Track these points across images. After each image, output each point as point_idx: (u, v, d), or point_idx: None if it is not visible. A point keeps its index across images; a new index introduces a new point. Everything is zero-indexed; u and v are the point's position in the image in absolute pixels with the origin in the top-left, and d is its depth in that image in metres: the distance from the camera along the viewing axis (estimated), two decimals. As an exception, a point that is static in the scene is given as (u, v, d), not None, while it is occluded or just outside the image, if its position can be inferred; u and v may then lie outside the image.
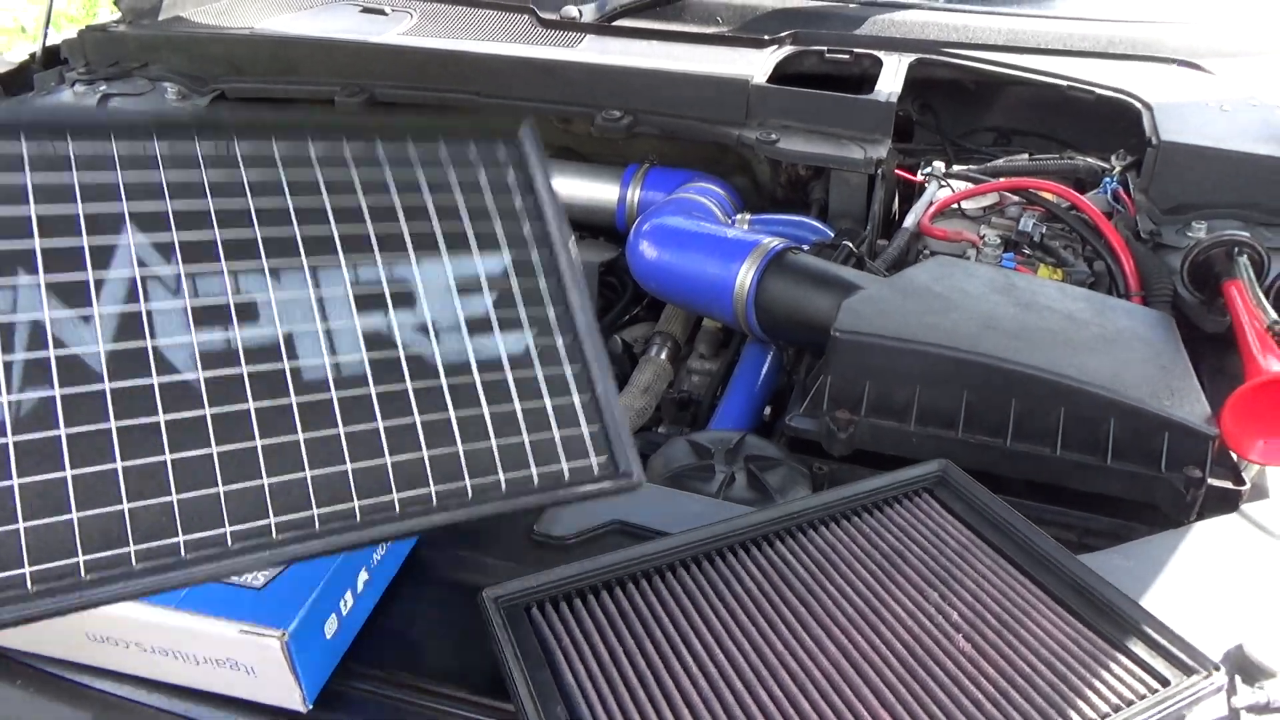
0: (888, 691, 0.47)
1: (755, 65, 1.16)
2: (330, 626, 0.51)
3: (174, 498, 0.37)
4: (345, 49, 1.24)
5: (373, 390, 0.44)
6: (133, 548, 0.36)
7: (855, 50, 1.23)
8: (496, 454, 0.45)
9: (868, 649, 0.50)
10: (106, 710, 0.52)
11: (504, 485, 0.45)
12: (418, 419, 0.44)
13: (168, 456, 0.38)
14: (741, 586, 0.54)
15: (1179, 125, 1.01)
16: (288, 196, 0.46)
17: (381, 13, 1.37)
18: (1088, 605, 0.53)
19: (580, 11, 1.33)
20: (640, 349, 1.07)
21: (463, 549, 0.60)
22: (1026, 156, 1.18)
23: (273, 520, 0.39)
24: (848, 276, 0.84)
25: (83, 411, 0.37)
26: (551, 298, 0.50)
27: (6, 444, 0.35)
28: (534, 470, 0.46)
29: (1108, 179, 1.07)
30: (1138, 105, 1.07)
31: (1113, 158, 1.10)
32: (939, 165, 1.13)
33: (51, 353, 0.38)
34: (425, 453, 0.44)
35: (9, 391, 0.36)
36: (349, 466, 0.42)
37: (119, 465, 0.37)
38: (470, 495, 0.44)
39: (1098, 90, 1.11)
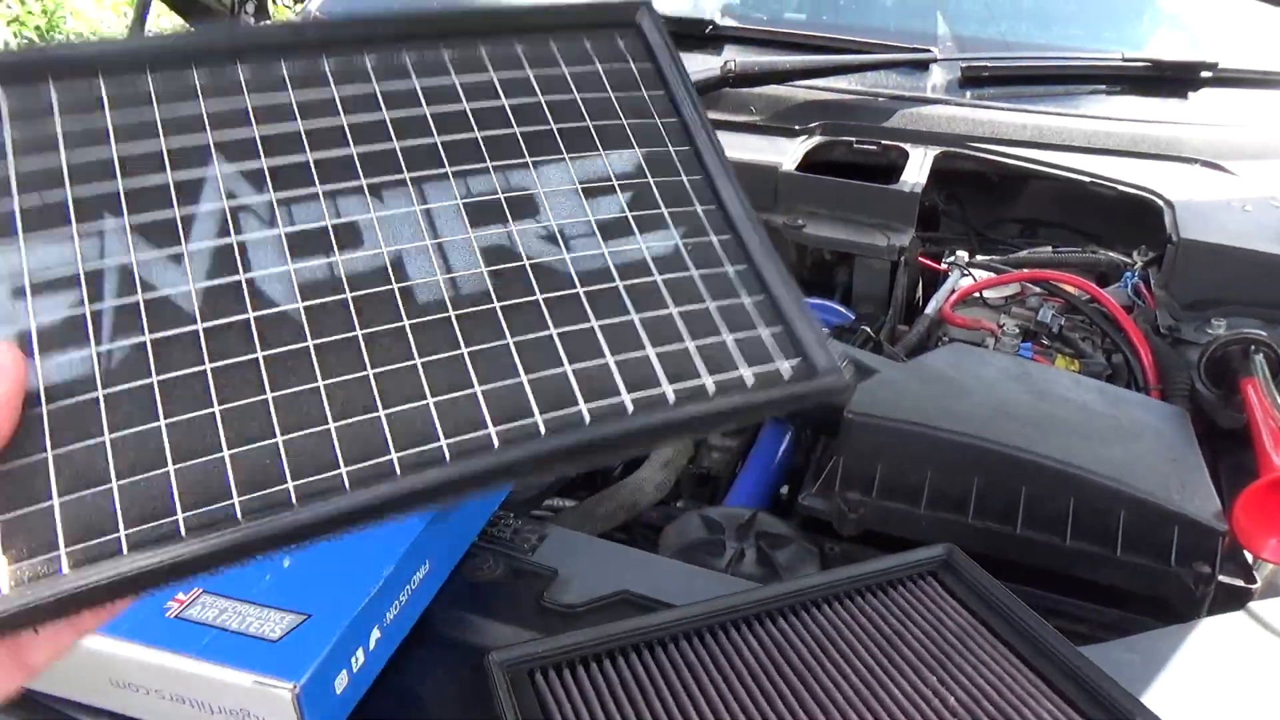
0: (880, 773, 0.48)
1: (785, 153, 1.21)
2: (341, 682, 0.52)
3: (279, 439, 0.33)
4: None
5: (497, 305, 0.38)
6: (236, 500, 0.32)
7: (882, 141, 1.27)
8: (657, 364, 0.38)
9: (862, 729, 0.50)
10: (124, 754, 0.54)
11: (671, 396, 0.37)
12: (554, 331, 0.38)
13: (268, 395, 0.34)
14: (742, 661, 0.55)
15: (1200, 223, 1.03)
16: (384, 110, 0.42)
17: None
18: (1086, 698, 0.53)
19: (619, 98, 1.39)
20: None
21: (472, 613, 0.62)
22: (1050, 249, 1.20)
23: (394, 456, 0.34)
24: (864, 360, 0.86)
25: (177, 356, 0.34)
26: (698, 195, 0.43)
27: (97, 398, 0.33)
28: (707, 379, 0.38)
29: (1129, 273, 1.08)
30: (1160, 202, 1.09)
31: (1135, 253, 1.12)
32: (962, 254, 1.15)
33: (140, 296, 0.35)
34: (568, 367, 0.37)
35: (98, 341, 0.34)
36: (477, 389, 0.36)
37: (216, 409, 0.33)
38: (631, 410, 0.37)
39: (1120, 187, 1.13)
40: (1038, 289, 1.08)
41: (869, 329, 0.95)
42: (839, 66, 1.32)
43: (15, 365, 0.32)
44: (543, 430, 0.36)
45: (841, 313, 1.09)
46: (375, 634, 0.56)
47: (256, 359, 0.35)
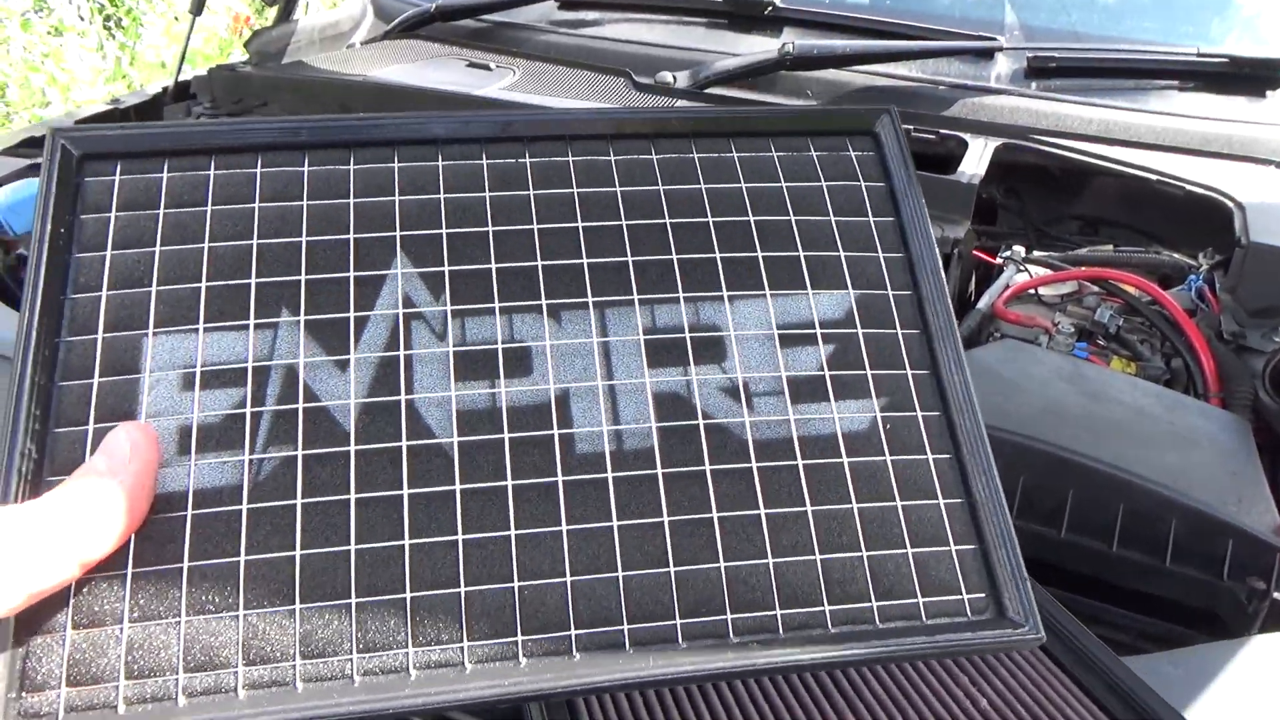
0: (907, 772, 0.47)
1: (840, 139, 1.18)
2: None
3: (406, 595, 0.31)
4: (445, 99, 1.31)
5: (659, 471, 0.34)
6: (355, 656, 0.30)
7: (941, 130, 1.24)
8: (821, 574, 0.34)
9: (891, 727, 0.49)
10: None
11: (829, 619, 0.33)
12: (715, 515, 0.34)
13: (406, 541, 0.32)
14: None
15: (1272, 226, 0.99)
16: (579, 218, 0.38)
17: (486, 68, 1.44)
18: (1127, 710, 0.51)
19: (675, 78, 1.37)
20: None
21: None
22: (1110, 247, 1.16)
23: (520, 639, 0.31)
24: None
25: (325, 477, 0.33)
26: (910, 356, 0.38)
27: (241, 510, 0.32)
28: (873, 602, 0.34)
29: (1193, 276, 1.04)
30: (1229, 204, 1.05)
31: (1200, 255, 1.08)
32: (1019, 249, 1.12)
33: (301, 405, 0.34)
34: (722, 563, 0.33)
35: (252, 447, 0.33)
36: (620, 574, 0.32)
37: (352, 547, 0.32)
38: (781, 631, 0.32)
39: (1188, 186, 1.09)
40: (1096, 288, 1.05)
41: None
42: (900, 53, 1.29)
43: (149, 444, 0.31)
44: (681, 640, 0.32)
45: (890, 304, 1.06)
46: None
47: (402, 496, 0.33)
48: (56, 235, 0.35)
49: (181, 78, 1.44)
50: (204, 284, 0.35)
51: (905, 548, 0.35)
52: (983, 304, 1.03)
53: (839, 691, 0.51)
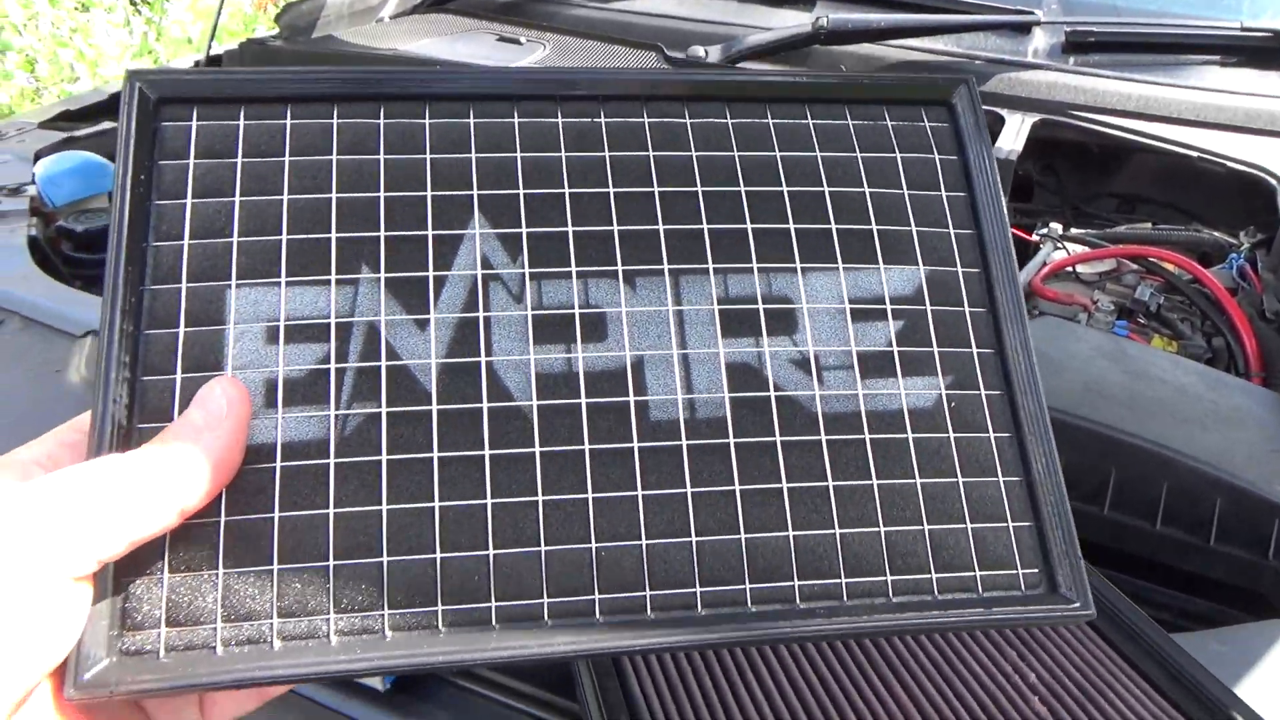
0: (955, 744, 0.47)
1: (874, 115, 1.17)
2: (414, 612, 0.53)
3: (489, 552, 0.32)
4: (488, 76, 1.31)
5: (732, 440, 0.35)
6: (440, 608, 0.31)
7: (978, 106, 1.23)
8: (884, 545, 0.34)
9: (939, 699, 0.49)
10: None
11: (891, 589, 0.34)
12: (785, 486, 0.35)
13: (488, 501, 0.33)
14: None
15: (1317, 204, 0.97)
16: (655, 183, 0.38)
17: (516, 42, 1.43)
18: (1176, 686, 0.51)
19: (706, 52, 1.36)
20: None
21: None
22: (1150, 225, 1.15)
23: (597, 597, 0.32)
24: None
25: (408, 435, 0.33)
26: (977, 332, 0.38)
27: (328, 465, 0.32)
28: (933, 574, 0.34)
29: (1234, 255, 1.03)
30: (1272, 181, 1.03)
31: (1241, 234, 1.06)
32: (1056, 226, 1.11)
33: (384, 363, 0.34)
34: (791, 532, 0.34)
35: (337, 403, 0.33)
36: (693, 539, 0.33)
37: (436, 505, 0.32)
38: (845, 598, 0.34)
39: (1229, 163, 1.07)
40: (1135, 266, 1.04)
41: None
42: (936, 26, 1.27)
43: (242, 400, 0.32)
44: (750, 604, 0.33)
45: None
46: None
47: (483, 456, 0.33)
48: (137, 182, 0.35)
49: (211, 52, 1.44)
50: (284, 236, 0.35)
51: (965, 523, 0.35)
52: (1019, 281, 1.02)
53: (887, 661, 0.51)
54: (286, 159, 0.36)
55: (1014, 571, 0.35)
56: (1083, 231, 1.11)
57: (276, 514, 0.32)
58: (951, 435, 0.36)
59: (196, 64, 1.44)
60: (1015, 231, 1.12)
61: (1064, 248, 1.07)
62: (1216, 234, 1.10)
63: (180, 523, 0.31)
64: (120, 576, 0.31)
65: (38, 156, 1.12)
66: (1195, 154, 1.12)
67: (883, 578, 0.34)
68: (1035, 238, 1.11)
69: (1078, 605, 0.35)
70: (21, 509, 0.27)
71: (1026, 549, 0.36)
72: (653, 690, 0.49)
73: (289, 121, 0.37)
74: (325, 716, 0.52)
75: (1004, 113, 1.20)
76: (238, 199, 0.35)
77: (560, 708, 0.52)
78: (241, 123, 0.37)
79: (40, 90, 3.10)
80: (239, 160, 0.36)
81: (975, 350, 0.38)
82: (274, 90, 0.37)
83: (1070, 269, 1.04)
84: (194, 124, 0.36)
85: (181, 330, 0.33)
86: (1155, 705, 0.50)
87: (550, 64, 1.35)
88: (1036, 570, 0.35)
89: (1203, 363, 0.88)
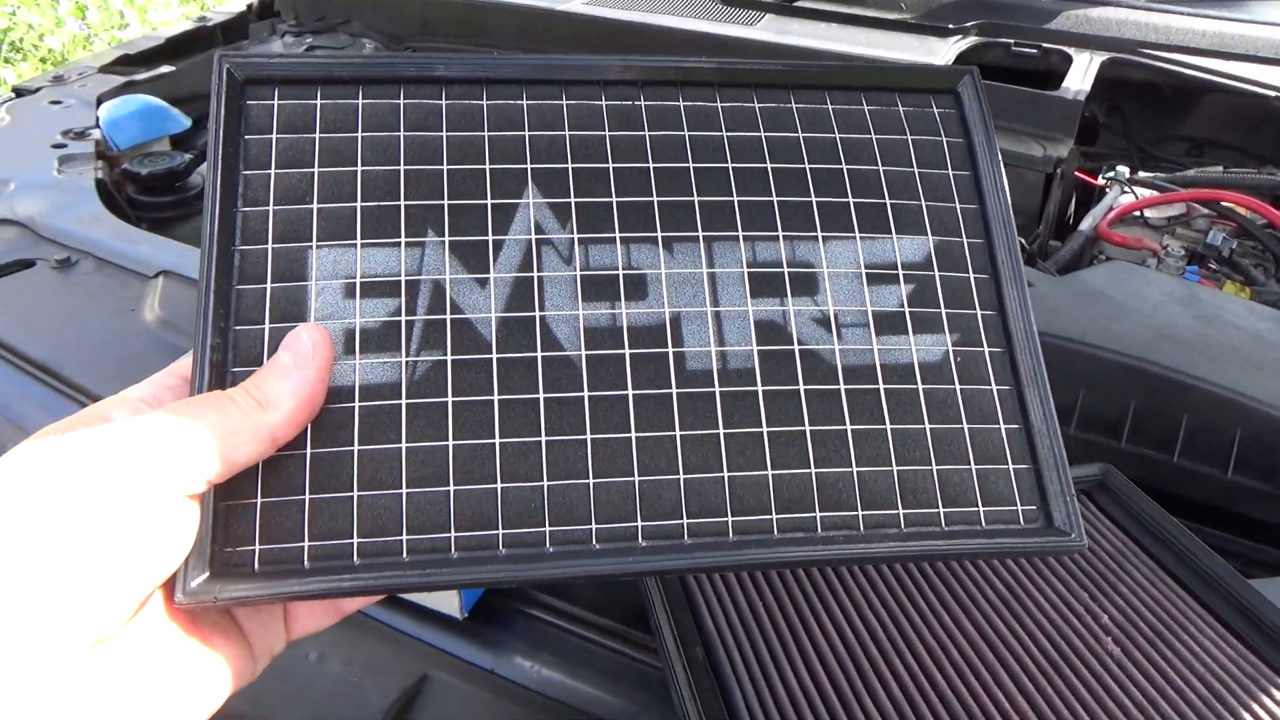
0: (1028, 681, 0.47)
1: (936, 54, 1.14)
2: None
3: (544, 483, 0.35)
4: (527, 15, 1.29)
5: (760, 389, 0.38)
6: (500, 531, 0.34)
7: (1044, 45, 1.19)
8: (897, 484, 0.38)
9: (1009, 636, 0.49)
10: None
11: (902, 520, 0.37)
12: (808, 428, 0.38)
13: (542, 438, 0.36)
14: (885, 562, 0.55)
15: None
16: (690, 159, 0.42)
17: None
18: (1253, 629, 0.51)
19: (763, -8, 1.33)
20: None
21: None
22: (1220, 169, 1.11)
23: (640, 524, 0.35)
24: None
25: (471, 379, 0.37)
26: (981, 296, 0.41)
27: (401, 405, 0.36)
28: (940, 508, 0.38)
29: (1312, 198, 0.99)
30: (1357, 121, 0.99)
31: (1321, 177, 1.03)
32: (1123, 170, 1.08)
33: (449, 316, 0.38)
34: (814, 469, 0.37)
35: (407, 351, 0.37)
36: (725, 475, 0.37)
37: (497, 441, 0.36)
38: (862, 528, 0.37)
39: (1313, 103, 1.04)
40: (1206, 210, 1.01)
41: (1023, 240, 0.91)
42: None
43: (326, 344, 0.36)
44: (777, 532, 0.36)
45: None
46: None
47: (538, 400, 0.37)
48: (228, 154, 0.39)
49: (265, -5, 1.44)
50: (359, 204, 0.39)
51: (969, 464, 0.39)
52: (1085, 226, 1.00)
53: (957, 600, 0.51)
54: (360, 134, 0.40)
55: (1014, 508, 0.39)
56: (1150, 175, 1.08)
57: (356, 447, 0.35)
58: (958, 387, 0.40)
59: (249, 7, 1.44)
60: (1081, 175, 1.09)
61: (1132, 191, 1.04)
62: (1293, 177, 1.06)
63: (274, 452, 0.34)
64: (220, 498, 0.34)
65: (99, 101, 1.13)
66: (1274, 94, 1.08)
67: (895, 511, 0.38)
68: (1101, 181, 1.08)
69: (1072, 537, 0.38)
70: (142, 435, 0.30)
71: (1025, 488, 0.39)
72: (724, 621, 0.50)
73: (360, 101, 0.41)
74: (407, 644, 0.54)
75: (1071, 51, 1.17)
76: (316, 170, 0.39)
77: (633, 639, 0.53)
78: (319, 102, 0.40)
79: (91, 37, 3.12)
80: (317, 135, 0.40)
81: (979, 312, 0.41)
82: (348, 73, 0.41)
83: (1138, 213, 1.01)
84: (275, 103, 0.40)
85: (269, 286, 0.37)
86: (1230, 647, 0.50)
87: (601, 3, 1.33)
88: (1034, 507, 0.39)
89: (1278, 308, 0.86)
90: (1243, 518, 0.69)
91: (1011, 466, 0.39)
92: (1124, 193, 1.05)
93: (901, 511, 0.37)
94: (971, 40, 1.19)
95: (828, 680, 0.47)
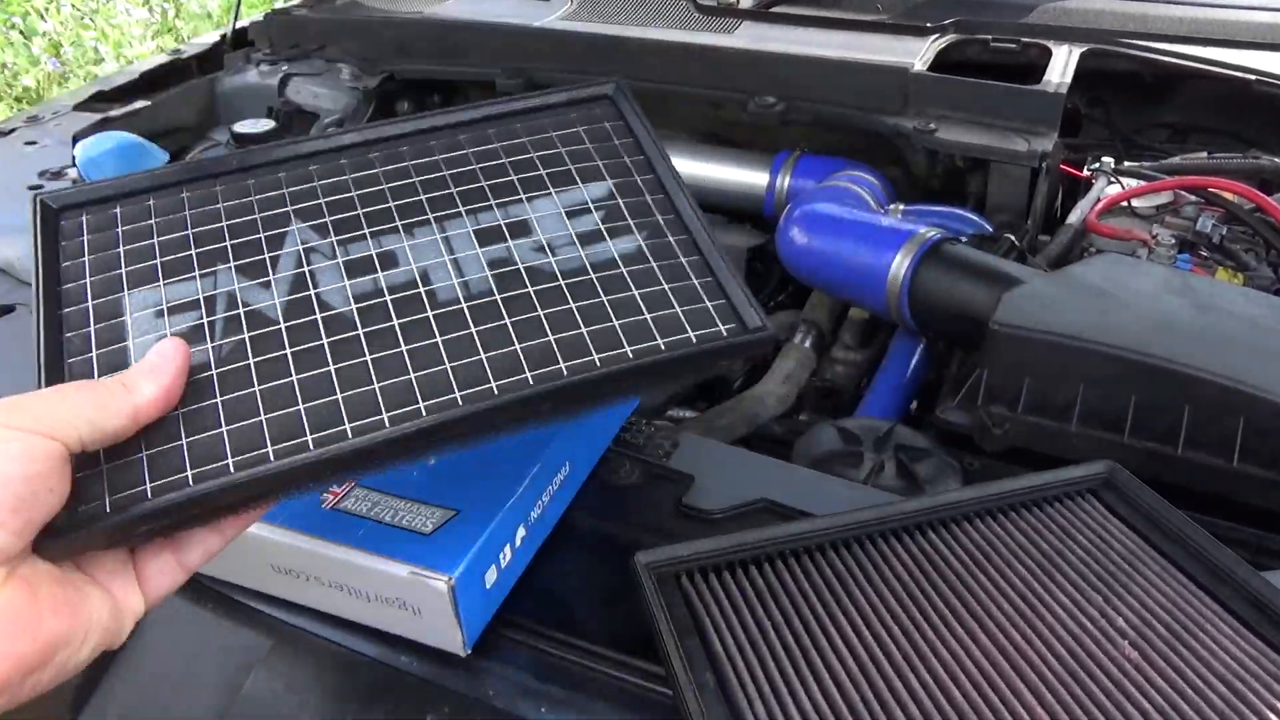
0: (1045, 690, 0.46)
1: (915, 53, 1.14)
2: (490, 576, 0.53)
3: (339, 396, 0.45)
4: (505, 33, 1.28)
5: (498, 297, 0.49)
6: (309, 436, 0.44)
7: (1023, 39, 1.19)
8: (621, 332, 0.48)
9: (1024, 645, 0.49)
10: (282, 638, 0.56)
11: (630, 355, 0.47)
12: (541, 312, 0.48)
13: (331, 367, 0.46)
14: (892, 573, 0.54)
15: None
16: (415, 177, 0.55)
17: (542, -1, 1.40)
18: (1270, 624, 0.50)
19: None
20: (784, 337, 1.07)
21: (611, 516, 0.62)
22: (1204, 155, 1.11)
23: (421, 405, 0.45)
24: (1009, 270, 0.81)
25: (267, 346, 0.47)
26: (659, 208, 0.54)
27: (212, 375, 0.46)
28: (660, 341, 0.48)
29: (1299, 180, 0.99)
30: (1339, 101, 0.99)
31: (1305, 158, 1.02)
32: (1108, 161, 1.07)
33: (241, 310, 0.48)
34: (551, 337, 0.47)
35: (212, 340, 0.47)
36: (483, 356, 0.47)
37: (294, 378, 0.46)
38: (599, 365, 0.47)
39: (1293, 85, 1.03)
40: (1194, 197, 1.00)
41: (1013, 238, 0.90)
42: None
43: (182, 350, 0.45)
44: (531, 382, 0.46)
45: (977, 222, 1.03)
46: (521, 532, 0.56)
47: (323, 344, 0.47)
48: (49, 254, 0.50)
49: (237, 26, 1.43)
50: (158, 260, 0.50)
51: (676, 309, 0.49)
52: (1073, 219, 0.99)
53: (970, 610, 0.51)
54: (153, 220, 0.52)
55: (717, 328, 0.49)
56: (1136, 164, 1.08)
57: (180, 410, 0.44)
58: (654, 264, 0.51)
59: (223, 38, 1.43)
60: (1065, 168, 1.09)
61: (1118, 182, 1.04)
62: (1277, 160, 1.06)
63: (137, 428, 0.42)
64: (111, 458, 0.42)
65: (76, 139, 1.12)
66: (1254, 77, 1.07)
67: (624, 349, 0.48)
68: (1087, 173, 1.08)
69: (765, 331, 0.49)
70: (28, 403, 0.39)
71: (723, 313, 0.49)
72: (733, 643, 0.49)
73: (152, 201, 0.53)
74: (408, 681, 0.52)
75: (1051, 45, 1.17)
76: (121, 249, 0.51)
77: (638, 668, 0.52)
78: (119, 209, 0.52)
79: (66, 74, 3.11)
80: (119, 229, 0.52)
81: (660, 217, 0.54)
82: (138, 186, 0.53)
83: (1125, 203, 1.01)
84: (84, 217, 0.52)
85: (92, 328, 0.48)
86: (1247, 644, 0.49)
87: (577, 18, 1.32)
88: (734, 325, 0.49)
89: (1272, 293, 0.85)
90: (1249, 506, 0.68)
91: (710, 303, 0.50)
92: (1110, 183, 1.04)
93: (629, 348, 0.47)
94: (949, 38, 1.19)
95: (841, 699, 0.46)
